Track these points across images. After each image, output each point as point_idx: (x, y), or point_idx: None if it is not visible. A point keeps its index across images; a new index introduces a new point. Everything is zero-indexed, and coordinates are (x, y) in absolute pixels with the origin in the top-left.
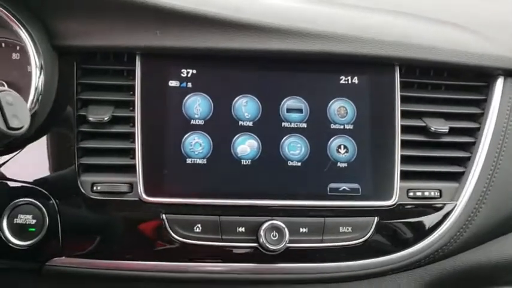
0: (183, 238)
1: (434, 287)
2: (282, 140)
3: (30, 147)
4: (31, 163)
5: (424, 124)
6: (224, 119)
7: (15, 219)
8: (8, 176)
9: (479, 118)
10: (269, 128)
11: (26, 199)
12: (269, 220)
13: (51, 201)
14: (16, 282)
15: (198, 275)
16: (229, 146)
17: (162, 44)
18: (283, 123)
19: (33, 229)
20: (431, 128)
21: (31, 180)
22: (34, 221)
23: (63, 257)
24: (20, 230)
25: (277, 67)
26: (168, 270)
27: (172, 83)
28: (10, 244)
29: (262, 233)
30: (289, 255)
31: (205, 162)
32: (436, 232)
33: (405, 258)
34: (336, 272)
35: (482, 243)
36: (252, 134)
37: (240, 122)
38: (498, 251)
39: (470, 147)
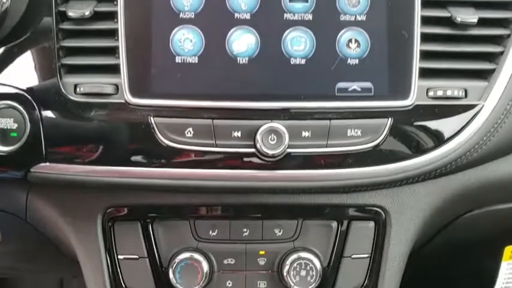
0: (174, 143)
1: (457, 201)
2: (284, 34)
3: (8, 49)
4: (9, 65)
5: (448, 14)
6: (217, 11)
7: None
8: None
9: None
10: (269, 21)
11: (5, 102)
12: (267, 123)
13: (32, 104)
14: (8, 193)
15: (189, 182)
16: (224, 41)
17: None
18: (285, 15)
19: (15, 134)
20: (458, 19)
21: (9, 83)
22: (15, 125)
23: (48, 163)
24: (1, 135)
25: None
26: (158, 177)
27: None
28: None
29: (259, 136)
30: (290, 161)
31: (197, 60)
32: (458, 137)
33: (422, 165)
34: (341, 179)
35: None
36: (250, 28)
37: (236, 14)
38: None
39: (503, 40)
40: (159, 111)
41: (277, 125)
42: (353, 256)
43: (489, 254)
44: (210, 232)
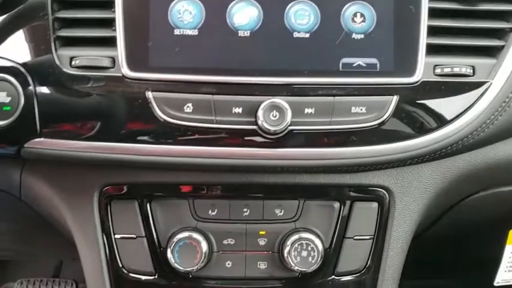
0: (172, 118)
1: (462, 183)
2: (288, 7)
3: (1, 20)
4: (1, 37)
5: None
6: None
7: None
8: None
9: None
10: None
11: None
12: (269, 99)
13: (25, 77)
14: (1, 170)
15: (187, 160)
16: (225, 14)
17: None
18: None
19: (8, 108)
20: None
21: (2, 55)
22: (8, 99)
23: (42, 138)
24: None
25: None
26: (155, 154)
27: None
28: None
29: (260, 112)
30: (292, 139)
31: (196, 33)
32: (465, 115)
33: (428, 144)
34: (345, 158)
35: None
36: (252, 0)
37: None
38: None
39: None
40: (157, 85)
41: (279, 100)
42: (355, 237)
43: (493, 237)
44: (210, 212)
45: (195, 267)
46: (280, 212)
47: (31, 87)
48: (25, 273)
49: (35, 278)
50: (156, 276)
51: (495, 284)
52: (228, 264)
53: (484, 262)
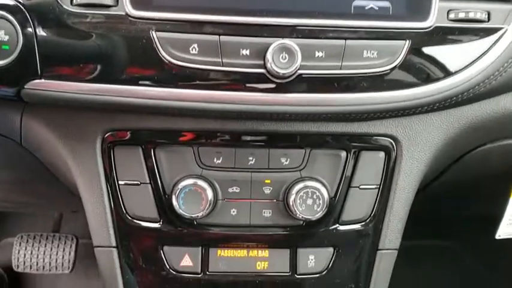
0: (177, 60)
1: (471, 133)
2: None
3: None
4: None
5: None
6: None
7: None
8: None
9: None
10: None
11: None
12: (279, 40)
13: (24, 14)
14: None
15: (192, 104)
16: None
17: None
18: None
19: (7, 46)
20: None
21: None
22: (7, 38)
23: (42, 80)
24: None
25: None
26: (159, 97)
27: None
28: None
29: (270, 54)
30: (301, 84)
31: None
32: (479, 62)
33: (438, 92)
34: (354, 104)
35: None
36: None
37: None
38: None
39: None
40: (162, 24)
41: (289, 42)
42: (361, 186)
43: (497, 191)
44: (215, 160)
45: (199, 214)
46: (286, 160)
47: (30, 26)
48: (24, 228)
49: (35, 233)
50: (161, 223)
51: (497, 237)
52: (233, 212)
53: (485, 219)
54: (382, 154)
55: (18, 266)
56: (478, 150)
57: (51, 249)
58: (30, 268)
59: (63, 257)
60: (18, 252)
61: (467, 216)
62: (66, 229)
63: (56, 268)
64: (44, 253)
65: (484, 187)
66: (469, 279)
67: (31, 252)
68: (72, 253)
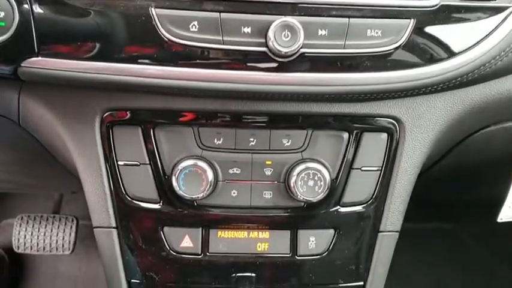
0: (176, 38)
1: (475, 115)
2: None
3: None
4: None
5: None
6: None
7: None
8: None
9: None
10: None
11: None
12: (281, 18)
13: None
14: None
15: (192, 84)
16: None
17: None
18: None
19: (3, 23)
20: None
21: None
22: (2, 14)
23: (40, 58)
24: None
25: None
26: (158, 76)
27: None
28: None
29: (271, 32)
30: (303, 63)
31: None
32: (483, 43)
33: (443, 72)
34: (357, 84)
35: None
36: None
37: None
38: None
39: None
40: (161, 1)
41: (291, 20)
42: (363, 168)
43: (499, 175)
44: (215, 140)
45: (200, 195)
46: (288, 142)
47: (27, 2)
48: (24, 209)
49: (35, 214)
50: (161, 204)
51: (498, 220)
52: (234, 193)
53: (487, 202)
54: (384, 135)
55: (18, 246)
56: (481, 132)
57: (52, 230)
58: (31, 249)
59: (63, 238)
60: (19, 233)
61: (469, 199)
62: (67, 210)
63: (57, 249)
64: (44, 234)
65: (486, 170)
66: (469, 261)
67: (31, 233)
68: (73, 234)
